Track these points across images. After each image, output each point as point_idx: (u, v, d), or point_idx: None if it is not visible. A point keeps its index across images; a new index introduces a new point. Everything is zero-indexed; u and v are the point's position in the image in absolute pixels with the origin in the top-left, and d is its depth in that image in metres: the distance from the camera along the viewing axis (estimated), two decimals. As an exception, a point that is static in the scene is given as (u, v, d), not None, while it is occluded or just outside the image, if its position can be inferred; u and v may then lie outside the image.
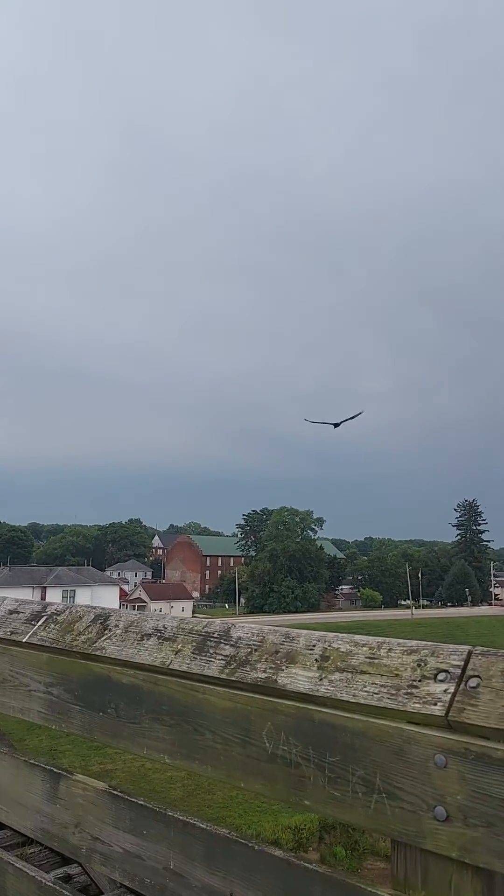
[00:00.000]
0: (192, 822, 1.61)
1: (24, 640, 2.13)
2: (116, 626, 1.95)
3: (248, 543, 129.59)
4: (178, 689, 1.69)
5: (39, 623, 2.15)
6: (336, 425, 37.58)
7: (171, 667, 1.72)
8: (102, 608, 2.07)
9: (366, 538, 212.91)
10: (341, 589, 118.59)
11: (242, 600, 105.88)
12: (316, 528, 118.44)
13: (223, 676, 1.60)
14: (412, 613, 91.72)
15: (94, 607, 2.11)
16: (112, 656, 1.86)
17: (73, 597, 73.17)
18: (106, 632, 1.95)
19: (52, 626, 2.11)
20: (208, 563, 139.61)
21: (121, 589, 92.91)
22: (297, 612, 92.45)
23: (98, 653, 1.90)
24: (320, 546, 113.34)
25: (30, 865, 2.01)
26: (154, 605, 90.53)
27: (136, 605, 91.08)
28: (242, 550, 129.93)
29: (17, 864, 2.00)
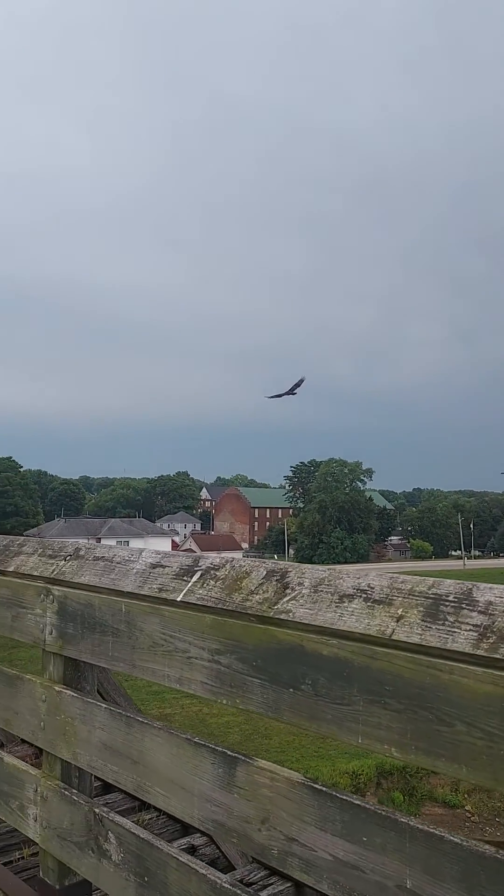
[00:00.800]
0: (437, 833, 1.26)
1: (178, 599, 1.80)
2: (300, 583, 1.59)
3: (297, 495, 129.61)
4: (408, 667, 1.33)
5: (194, 579, 1.82)
6: (284, 395, 39.74)
7: (393, 637, 1.35)
8: (273, 562, 1.72)
9: (414, 489, 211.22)
10: (390, 540, 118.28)
11: (291, 551, 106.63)
12: (365, 479, 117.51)
13: (479, 653, 1.23)
14: (464, 564, 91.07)
15: (263, 561, 1.76)
16: (302, 621, 1.51)
17: (127, 548, 74.67)
18: (287, 591, 1.59)
19: (212, 582, 1.77)
20: (256, 515, 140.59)
21: (172, 540, 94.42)
22: (346, 562, 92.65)
23: (282, 616, 1.55)
24: (369, 497, 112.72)
25: (197, 860, 1.71)
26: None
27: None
28: (290, 502, 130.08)
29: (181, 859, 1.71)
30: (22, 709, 2.43)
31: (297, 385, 39.10)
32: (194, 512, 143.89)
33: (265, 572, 1.69)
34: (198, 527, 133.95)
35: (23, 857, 3.08)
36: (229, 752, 1.65)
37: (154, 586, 1.90)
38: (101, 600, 2.07)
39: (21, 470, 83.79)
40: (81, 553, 2.28)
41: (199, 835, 3.28)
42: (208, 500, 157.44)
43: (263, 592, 1.63)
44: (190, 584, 1.81)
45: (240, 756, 1.63)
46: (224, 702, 1.67)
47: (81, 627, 2.13)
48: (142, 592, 1.92)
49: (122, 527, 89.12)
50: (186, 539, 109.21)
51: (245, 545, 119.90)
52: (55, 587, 2.27)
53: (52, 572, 2.29)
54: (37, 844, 2.38)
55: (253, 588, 1.67)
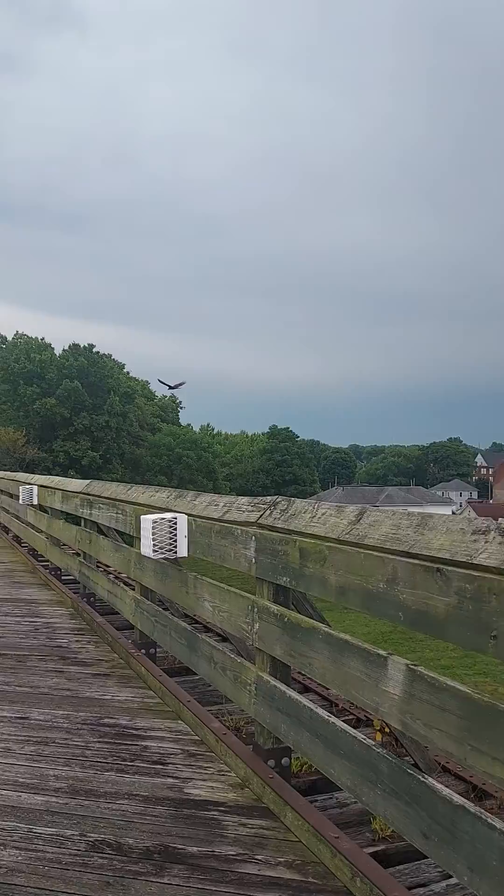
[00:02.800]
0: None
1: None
2: None
3: None
4: None
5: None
6: (170, 387, 40.26)
7: None
8: None
9: None
10: None
11: None
12: None
13: None
14: None
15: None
16: None
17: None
18: None
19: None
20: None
21: (451, 510, 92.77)
22: None
23: None
24: None
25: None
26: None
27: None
28: None
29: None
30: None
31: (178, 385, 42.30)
32: (469, 479, 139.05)
33: None
34: (474, 495, 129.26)
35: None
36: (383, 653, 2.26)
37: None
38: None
39: (297, 440, 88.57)
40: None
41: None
42: (484, 468, 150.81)
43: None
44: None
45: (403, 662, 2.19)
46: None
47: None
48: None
49: (399, 495, 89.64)
50: (464, 508, 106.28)
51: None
52: None
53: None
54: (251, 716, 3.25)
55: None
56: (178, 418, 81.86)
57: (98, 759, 3.44)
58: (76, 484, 7.95)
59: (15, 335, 74.62)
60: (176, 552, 4.16)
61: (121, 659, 5.22)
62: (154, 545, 4.15)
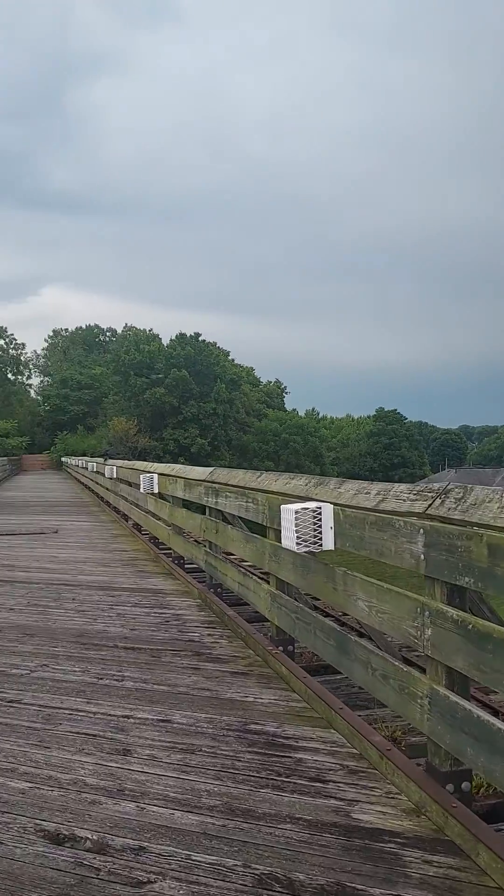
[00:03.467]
0: None
1: None
2: None
3: None
4: None
5: None
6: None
7: None
8: None
9: None
10: None
11: None
12: None
13: None
14: None
15: None
16: None
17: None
18: None
19: None
20: None
21: None
22: None
23: None
24: None
25: None
26: None
27: None
28: None
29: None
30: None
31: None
32: None
33: None
34: None
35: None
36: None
37: None
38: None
39: (405, 422, 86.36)
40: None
41: None
42: None
43: None
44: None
45: None
46: None
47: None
48: None
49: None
50: None
51: None
52: None
53: None
54: (423, 733, 2.85)
55: None
56: (284, 404, 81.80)
57: (251, 773, 3.15)
58: (199, 472, 7.77)
59: (124, 328, 76.94)
60: (321, 545, 3.81)
61: (257, 656, 4.94)
62: (297, 537, 3.81)
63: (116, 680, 4.47)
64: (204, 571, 7.62)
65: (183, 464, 20.82)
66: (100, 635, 5.61)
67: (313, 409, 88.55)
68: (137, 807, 2.84)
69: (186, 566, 8.63)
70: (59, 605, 6.76)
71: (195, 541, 8.19)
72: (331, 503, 3.81)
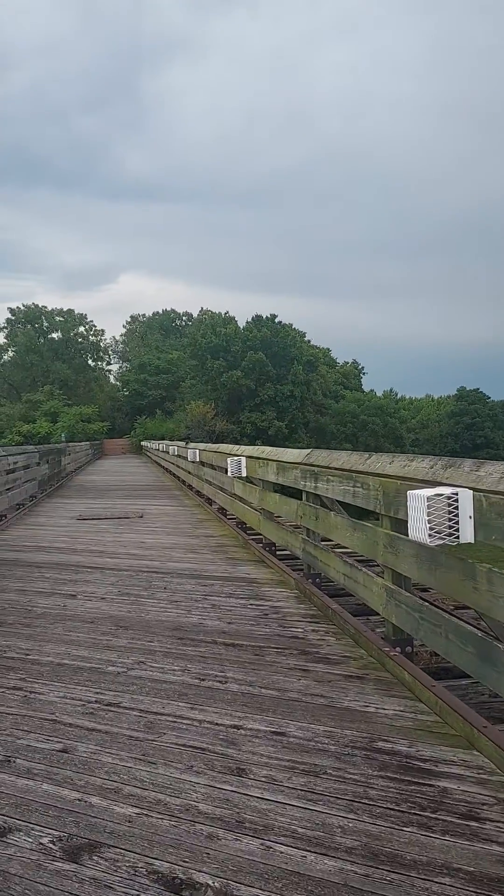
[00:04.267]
0: None
1: None
2: None
3: None
4: None
5: None
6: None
7: None
8: None
9: None
10: None
11: None
12: None
13: None
14: None
15: None
16: None
17: None
18: None
19: None
20: None
21: None
22: None
23: None
24: None
25: None
26: None
27: None
28: None
29: None
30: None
31: None
32: None
33: None
34: None
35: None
36: None
37: None
38: None
39: (488, 401, 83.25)
40: None
41: None
42: None
43: None
44: None
45: None
46: None
47: None
48: None
49: None
50: None
51: None
52: None
53: None
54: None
55: None
56: (361, 384, 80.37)
57: (389, 806, 2.69)
58: (293, 454, 7.31)
59: (200, 311, 77.10)
60: (457, 537, 3.28)
61: (371, 657, 4.46)
62: (430, 528, 3.30)
63: (219, 681, 4.09)
64: (297, 559, 7.19)
65: (260, 447, 20.43)
66: (196, 629, 5.26)
67: (391, 389, 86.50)
68: (262, 845, 2.43)
69: (278, 553, 8.22)
70: (151, 595, 6.47)
71: (293, 526, 7.76)
72: (469, 488, 3.28)
